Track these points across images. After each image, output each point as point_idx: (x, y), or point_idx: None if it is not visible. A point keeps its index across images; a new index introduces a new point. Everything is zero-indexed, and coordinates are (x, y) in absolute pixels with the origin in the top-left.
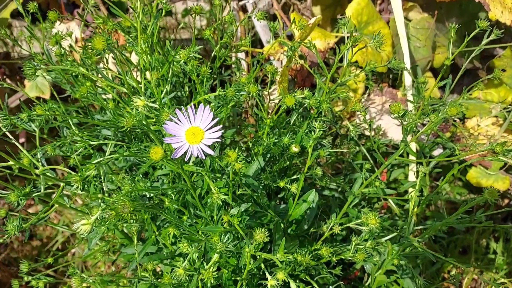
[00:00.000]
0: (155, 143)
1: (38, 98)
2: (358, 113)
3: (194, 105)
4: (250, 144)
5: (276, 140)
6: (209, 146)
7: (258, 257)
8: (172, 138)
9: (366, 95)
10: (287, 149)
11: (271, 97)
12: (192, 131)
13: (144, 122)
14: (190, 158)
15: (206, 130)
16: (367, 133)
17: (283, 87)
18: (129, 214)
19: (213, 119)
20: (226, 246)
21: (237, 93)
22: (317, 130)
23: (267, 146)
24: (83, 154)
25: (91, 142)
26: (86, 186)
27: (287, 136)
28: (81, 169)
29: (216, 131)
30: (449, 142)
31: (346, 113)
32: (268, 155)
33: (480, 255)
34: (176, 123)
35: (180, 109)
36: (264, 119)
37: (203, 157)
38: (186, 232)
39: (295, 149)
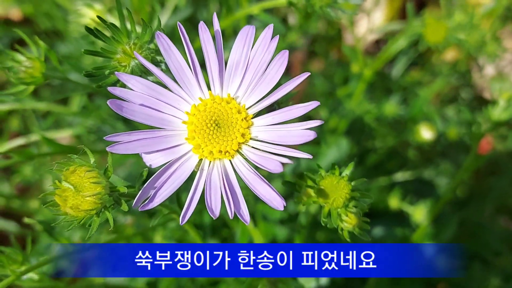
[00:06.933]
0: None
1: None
2: (483, 62)
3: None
4: (322, 114)
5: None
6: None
7: None
8: (140, 135)
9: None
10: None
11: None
12: (214, 111)
13: None
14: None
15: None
16: (486, 95)
17: (393, 9)
18: None
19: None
20: None
21: None
22: None
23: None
24: None
25: None
26: None
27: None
28: None
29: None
30: None
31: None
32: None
33: None
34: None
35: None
36: (358, 67)
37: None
38: None
39: (426, 134)
